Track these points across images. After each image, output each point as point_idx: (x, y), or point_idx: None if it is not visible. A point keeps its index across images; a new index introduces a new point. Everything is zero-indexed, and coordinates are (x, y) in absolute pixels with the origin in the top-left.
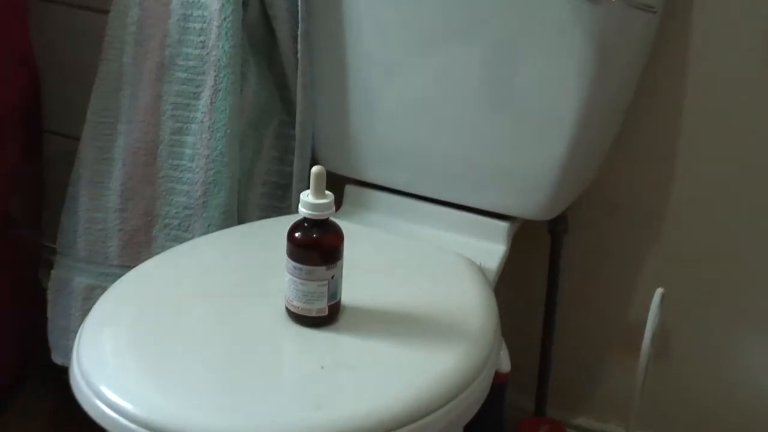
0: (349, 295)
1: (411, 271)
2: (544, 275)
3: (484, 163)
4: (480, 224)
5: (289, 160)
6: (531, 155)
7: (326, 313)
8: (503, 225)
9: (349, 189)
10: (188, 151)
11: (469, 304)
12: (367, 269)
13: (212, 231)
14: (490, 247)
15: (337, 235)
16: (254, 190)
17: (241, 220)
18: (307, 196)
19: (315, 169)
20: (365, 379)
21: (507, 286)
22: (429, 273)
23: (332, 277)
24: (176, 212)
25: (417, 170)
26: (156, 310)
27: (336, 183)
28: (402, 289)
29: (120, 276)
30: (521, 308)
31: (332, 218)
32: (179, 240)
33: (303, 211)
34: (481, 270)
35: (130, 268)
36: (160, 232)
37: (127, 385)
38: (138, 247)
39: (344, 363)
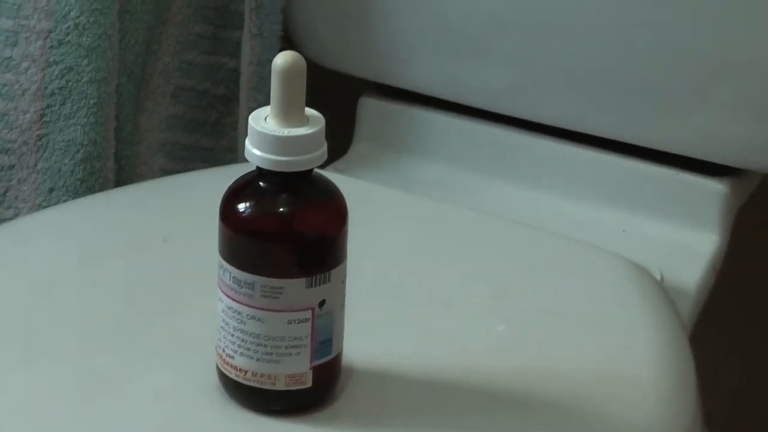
0: (359, 343)
1: (504, 292)
2: None
3: (682, 42)
4: (662, 186)
5: (230, 41)
6: None
7: (308, 383)
8: (716, 189)
9: (366, 106)
10: (4, 20)
11: (637, 370)
12: (401, 285)
13: (57, 201)
14: (687, 240)
15: (332, 208)
16: (153, 108)
17: (123, 177)
18: (264, 121)
19: (283, 59)
20: None
21: (723, 327)
22: (546, 296)
23: (322, 305)
24: None
25: (528, 63)
26: None
27: (336, 94)
28: (483, 334)
29: None
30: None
31: (320, 171)
32: None
33: (256, 154)
34: (664, 291)
35: None
36: None
37: None
38: None
39: None
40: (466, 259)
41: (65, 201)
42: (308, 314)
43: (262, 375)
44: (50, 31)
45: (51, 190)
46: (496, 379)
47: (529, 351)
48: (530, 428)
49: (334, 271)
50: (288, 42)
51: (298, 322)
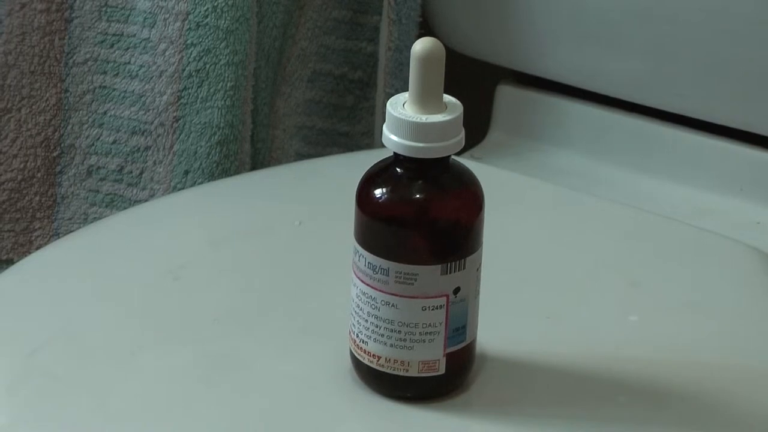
0: (493, 331)
1: (637, 283)
2: None
3: None
4: None
5: (368, 26)
6: None
7: (441, 370)
8: None
9: (503, 93)
10: (143, 2)
11: None
12: (535, 274)
13: (192, 184)
14: None
15: (468, 196)
16: (290, 92)
17: (258, 160)
18: (402, 107)
19: (422, 46)
20: None
21: None
22: (679, 287)
23: (456, 292)
24: (114, 142)
25: (664, 53)
26: (67, 366)
27: (473, 81)
28: (616, 324)
29: None
30: None
31: (457, 158)
32: (119, 202)
33: (393, 140)
34: None
35: (6, 263)
36: (77, 183)
37: None
38: (25, 216)
39: None
40: (600, 248)
41: (200, 183)
42: (442, 301)
43: (395, 361)
44: (188, 13)
45: (186, 173)
46: (629, 369)
47: (662, 342)
48: (662, 419)
49: (469, 259)
50: (426, 28)
51: (433, 309)
